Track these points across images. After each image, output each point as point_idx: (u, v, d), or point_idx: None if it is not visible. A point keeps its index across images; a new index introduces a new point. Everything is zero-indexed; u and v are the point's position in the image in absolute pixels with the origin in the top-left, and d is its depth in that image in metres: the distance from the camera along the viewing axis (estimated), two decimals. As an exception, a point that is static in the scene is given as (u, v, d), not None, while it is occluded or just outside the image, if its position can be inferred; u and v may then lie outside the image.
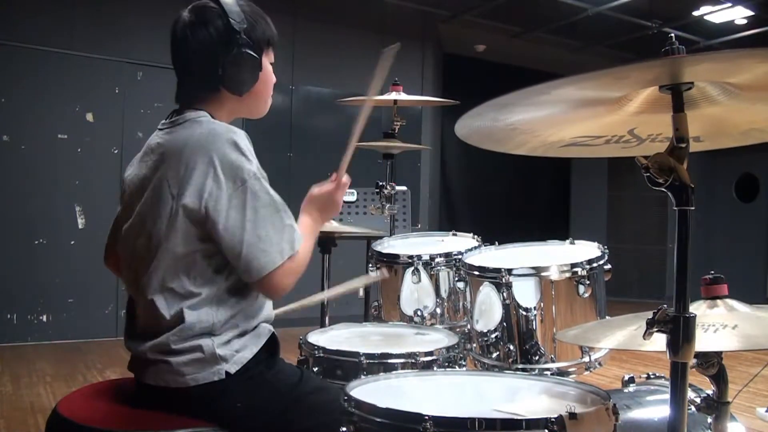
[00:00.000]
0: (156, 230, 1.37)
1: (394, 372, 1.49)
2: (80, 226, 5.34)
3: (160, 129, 1.49)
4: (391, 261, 2.24)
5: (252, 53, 1.45)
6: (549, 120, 1.19)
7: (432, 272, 2.18)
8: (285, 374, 1.47)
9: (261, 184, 1.37)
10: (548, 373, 1.76)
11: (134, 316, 1.47)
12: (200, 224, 1.35)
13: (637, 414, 1.57)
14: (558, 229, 8.67)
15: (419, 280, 2.16)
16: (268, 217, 1.36)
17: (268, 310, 1.50)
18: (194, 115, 1.44)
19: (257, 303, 1.46)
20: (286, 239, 1.37)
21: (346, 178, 1.58)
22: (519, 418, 1.11)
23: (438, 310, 2.18)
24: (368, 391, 1.28)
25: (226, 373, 1.36)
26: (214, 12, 1.44)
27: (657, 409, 1.59)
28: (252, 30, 1.46)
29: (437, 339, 1.91)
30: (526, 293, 1.79)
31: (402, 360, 1.66)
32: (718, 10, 6.39)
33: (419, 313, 2.16)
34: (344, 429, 1.14)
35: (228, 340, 1.38)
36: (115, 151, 5.49)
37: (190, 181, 1.34)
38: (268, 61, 1.54)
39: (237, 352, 1.39)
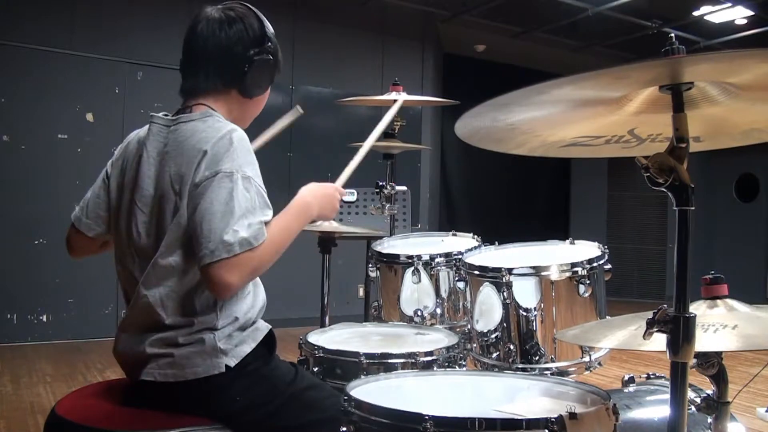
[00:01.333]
0: (161, 221, 1.40)
1: (394, 372, 1.50)
2: (80, 226, 5.33)
3: (163, 125, 1.48)
4: (391, 261, 2.25)
5: (275, 62, 1.51)
6: (549, 120, 1.19)
7: (432, 272, 2.17)
8: (281, 371, 1.49)
9: (231, 181, 1.32)
10: (548, 373, 1.76)
11: (133, 313, 1.45)
12: (179, 203, 1.37)
13: (637, 414, 1.57)
14: (558, 229, 8.67)
15: (419, 280, 2.16)
16: (218, 213, 1.29)
17: (263, 305, 1.51)
18: (199, 114, 1.45)
19: (255, 296, 1.48)
20: (237, 236, 1.28)
21: (343, 189, 1.59)
22: (519, 418, 1.11)
23: (438, 310, 2.18)
24: (368, 391, 1.28)
25: (226, 366, 1.37)
26: (251, 14, 1.49)
27: (657, 409, 1.59)
28: (277, 45, 1.52)
29: (437, 339, 1.91)
30: (526, 293, 1.79)
31: (402, 360, 1.67)
32: (718, 10, 6.38)
33: (419, 313, 2.16)
34: (344, 429, 1.14)
35: (229, 334, 1.40)
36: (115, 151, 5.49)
37: (183, 170, 1.37)
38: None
39: (236, 346, 1.40)
